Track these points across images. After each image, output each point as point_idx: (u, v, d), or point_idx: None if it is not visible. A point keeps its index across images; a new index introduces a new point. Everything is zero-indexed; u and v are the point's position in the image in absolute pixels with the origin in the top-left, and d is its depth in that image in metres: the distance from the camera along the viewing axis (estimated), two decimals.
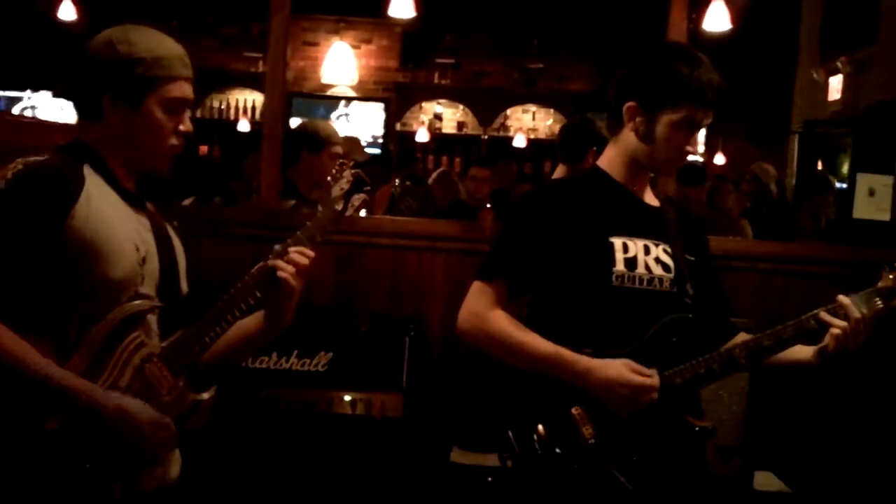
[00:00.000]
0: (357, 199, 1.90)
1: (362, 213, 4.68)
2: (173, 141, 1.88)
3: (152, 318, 1.85)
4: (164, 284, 1.88)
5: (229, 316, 1.85)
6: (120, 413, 1.71)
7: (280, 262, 1.84)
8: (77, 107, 1.89)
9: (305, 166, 3.82)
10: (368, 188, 1.91)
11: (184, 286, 1.97)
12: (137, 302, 1.81)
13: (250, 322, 1.92)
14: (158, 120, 1.85)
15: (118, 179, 1.87)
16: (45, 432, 1.70)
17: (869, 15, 7.71)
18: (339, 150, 3.79)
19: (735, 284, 3.23)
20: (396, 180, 6.24)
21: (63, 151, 1.83)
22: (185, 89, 1.88)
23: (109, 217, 1.79)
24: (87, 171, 1.81)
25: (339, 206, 1.89)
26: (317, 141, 3.80)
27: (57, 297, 1.75)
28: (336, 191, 1.89)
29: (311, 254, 1.87)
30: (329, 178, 1.91)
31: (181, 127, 1.88)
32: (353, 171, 1.91)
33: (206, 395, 1.86)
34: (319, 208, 1.91)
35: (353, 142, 4.79)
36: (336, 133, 3.96)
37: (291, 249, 1.85)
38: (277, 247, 1.87)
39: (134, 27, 1.89)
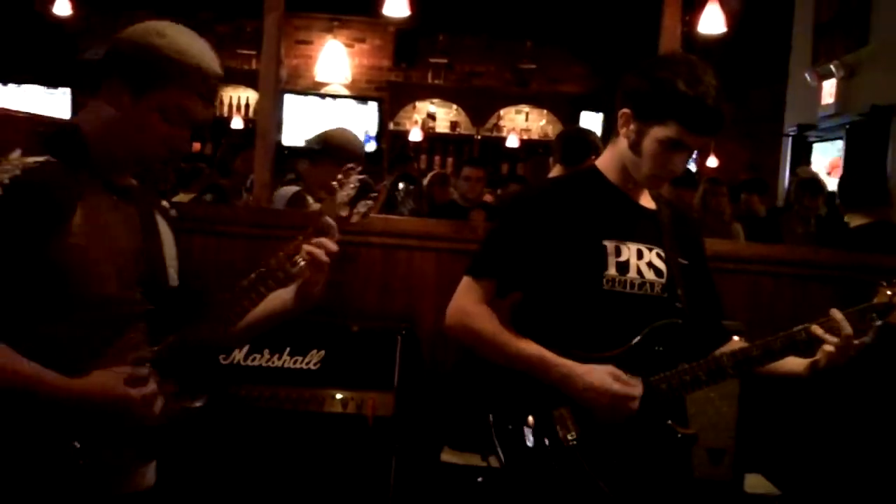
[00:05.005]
0: (363, 205, 1.85)
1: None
2: (158, 150, 1.78)
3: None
4: (151, 281, 1.82)
5: (233, 315, 1.81)
6: (102, 391, 1.66)
7: (307, 250, 1.82)
8: (80, 81, 1.78)
9: (306, 173, 3.91)
10: (375, 195, 1.87)
11: (172, 279, 1.89)
12: (127, 307, 1.75)
13: (276, 301, 1.91)
14: (150, 123, 1.74)
15: (106, 172, 1.77)
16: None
17: (860, 19, 7.75)
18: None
19: (726, 287, 3.23)
20: (385, 181, 6.21)
21: (53, 145, 1.72)
22: (194, 105, 1.76)
23: (100, 227, 1.72)
24: (81, 173, 1.73)
25: (344, 213, 1.84)
26: (317, 152, 3.75)
27: (47, 315, 1.68)
28: (342, 197, 1.84)
29: (332, 247, 1.84)
30: (334, 183, 1.85)
31: (173, 142, 1.78)
32: (359, 177, 1.86)
33: (198, 404, 1.81)
34: (325, 216, 1.86)
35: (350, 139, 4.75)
36: (348, 144, 3.78)
37: (305, 246, 1.83)
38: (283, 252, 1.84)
39: (179, 26, 1.80)
